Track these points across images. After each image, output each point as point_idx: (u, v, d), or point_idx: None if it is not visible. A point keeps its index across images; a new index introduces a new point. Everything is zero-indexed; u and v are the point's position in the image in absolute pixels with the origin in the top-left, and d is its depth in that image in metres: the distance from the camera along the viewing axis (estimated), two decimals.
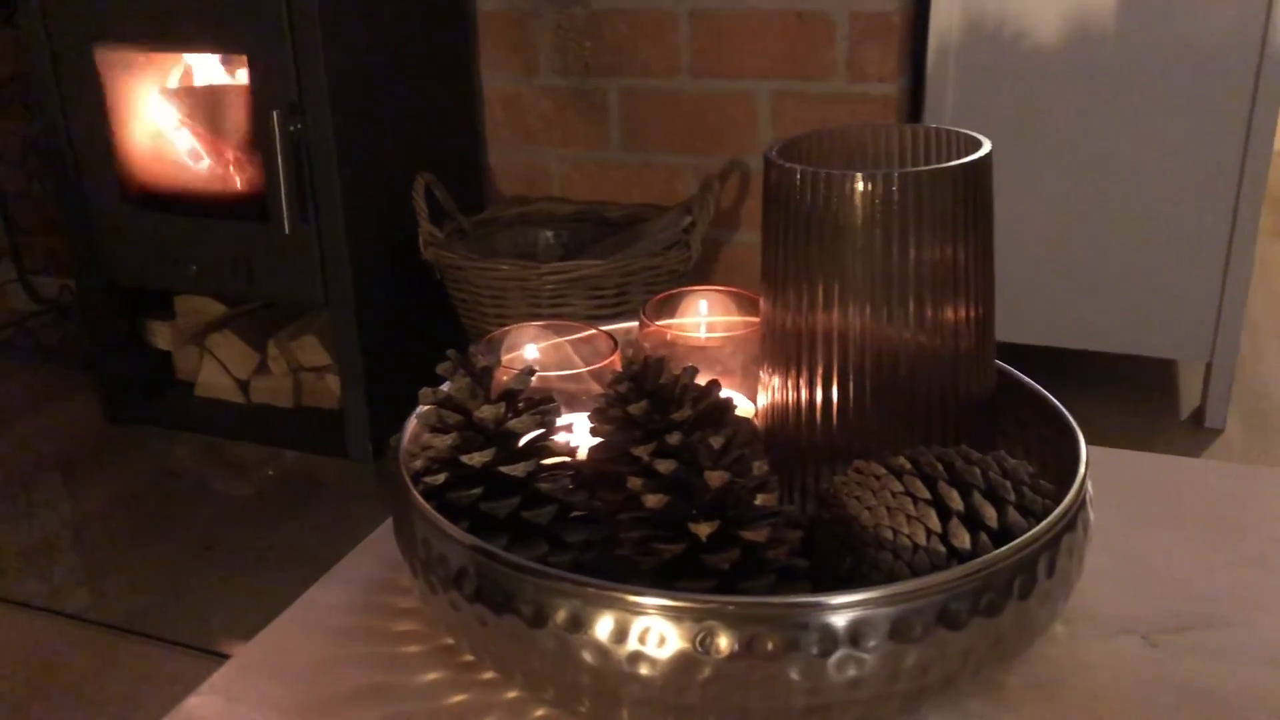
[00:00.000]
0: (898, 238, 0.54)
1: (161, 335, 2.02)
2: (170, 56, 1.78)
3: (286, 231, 1.64)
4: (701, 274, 1.86)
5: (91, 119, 1.78)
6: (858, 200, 0.53)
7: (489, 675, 0.53)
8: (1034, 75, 1.66)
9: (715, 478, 0.48)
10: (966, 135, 0.58)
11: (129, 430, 1.95)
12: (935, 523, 0.48)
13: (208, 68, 1.78)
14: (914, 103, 1.81)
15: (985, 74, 1.68)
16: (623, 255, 1.65)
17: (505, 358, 0.64)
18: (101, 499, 1.74)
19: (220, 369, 1.99)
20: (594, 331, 0.66)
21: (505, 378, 0.57)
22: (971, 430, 0.58)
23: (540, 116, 1.96)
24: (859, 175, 0.53)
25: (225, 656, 0.75)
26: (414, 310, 1.84)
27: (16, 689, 1.31)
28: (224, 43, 1.69)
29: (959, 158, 0.56)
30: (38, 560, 1.59)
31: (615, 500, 0.54)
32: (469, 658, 0.54)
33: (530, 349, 0.64)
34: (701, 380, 0.55)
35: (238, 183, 1.79)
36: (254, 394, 1.98)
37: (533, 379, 0.58)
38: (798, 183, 0.55)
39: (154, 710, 1.27)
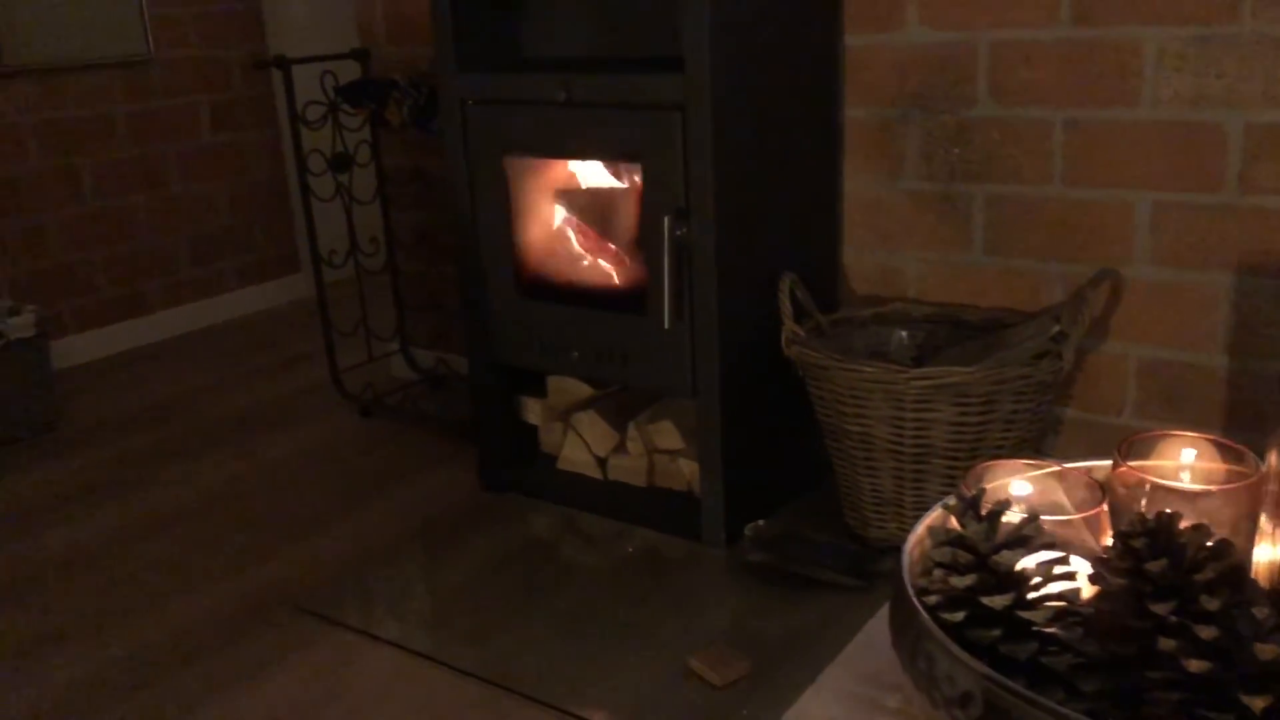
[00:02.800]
0: None
1: (534, 412, 2.20)
2: (570, 164, 1.96)
3: (666, 326, 1.76)
4: (1064, 384, 1.82)
5: (495, 218, 1.99)
6: None
7: None
8: None
9: (1266, 651, 0.49)
10: None
11: (499, 497, 2.13)
12: None
13: (601, 173, 1.95)
14: None
15: None
16: (992, 362, 1.65)
17: (989, 488, 0.67)
18: (478, 561, 1.90)
19: (582, 446, 2.14)
20: (1076, 473, 0.68)
21: (1006, 517, 0.61)
22: None
23: (899, 220, 2.00)
24: None
25: None
26: (772, 404, 1.91)
27: None
28: (621, 153, 1.84)
29: None
30: (426, 614, 1.77)
31: (1129, 655, 0.56)
32: None
33: (1018, 485, 0.67)
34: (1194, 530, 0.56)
35: (620, 278, 1.93)
36: (611, 471, 2.12)
37: (1032, 523, 0.61)
38: None
39: None
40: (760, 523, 1.82)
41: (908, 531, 0.66)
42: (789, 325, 1.80)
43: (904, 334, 1.96)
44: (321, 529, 2.06)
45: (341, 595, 1.82)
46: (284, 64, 2.44)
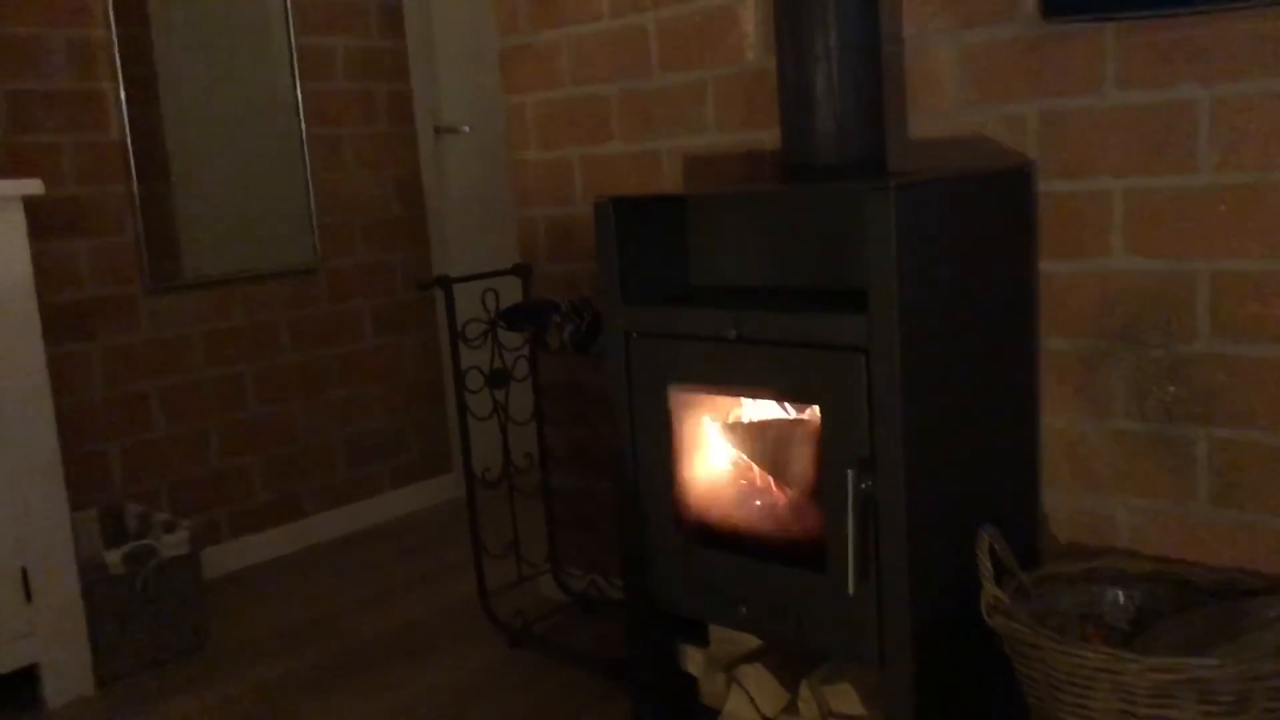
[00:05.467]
0: None
1: (694, 660, 2.01)
2: (740, 399, 1.84)
3: (850, 591, 1.58)
4: None
5: (657, 453, 1.86)
6: None
7: None
8: None
9: None
10: None
11: None
12: None
13: (775, 410, 1.81)
14: None
15: None
16: (1240, 647, 1.41)
17: None
18: None
19: (748, 702, 1.93)
20: None
21: None
22: None
23: (1108, 462, 1.78)
24: None
25: None
26: (972, 677, 1.69)
27: None
28: (797, 391, 1.71)
29: None
30: None
31: None
32: None
33: None
34: None
35: (794, 526, 1.77)
36: None
37: None
38: None
39: None
40: None
41: None
42: (990, 589, 1.59)
43: (1120, 594, 1.72)
44: None
45: None
46: (446, 284, 2.42)
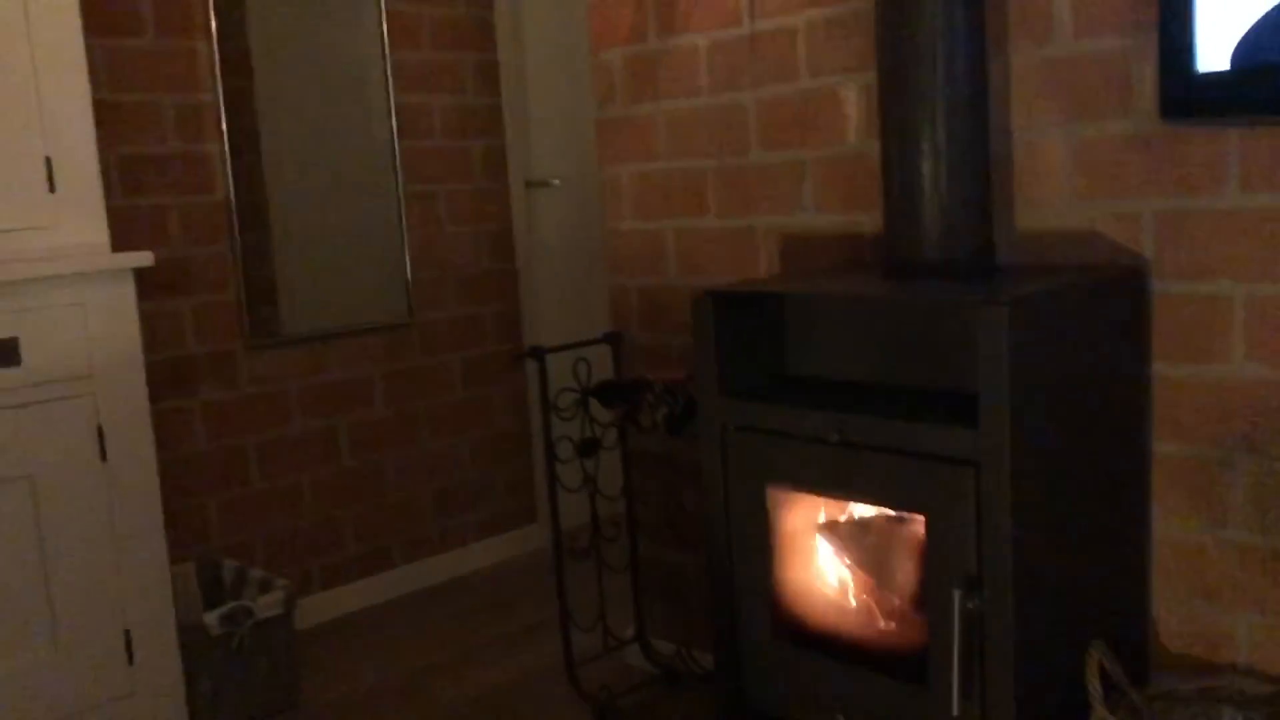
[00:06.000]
0: None
1: None
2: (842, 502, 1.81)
3: (955, 713, 1.54)
4: None
5: (753, 550, 1.84)
6: None
7: None
8: None
9: None
10: None
11: None
12: None
13: (877, 514, 1.78)
14: None
15: None
16: None
17: None
18: None
19: None
20: None
21: None
22: None
23: (1225, 575, 1.72)
24: None
25: None
26: None
27: None
28: (901, 500, 1.67)
29: None
30: None
31: None
32: None
33: None
34: None
35: (894, 635, 1.73)
36: None
37: None
38: None
39: None
40: None
41: None
42: (1100, 712, 1.54)
43: (1238, 716, 1.65)
44: None
45: None
46: (540, 355, 2.43)
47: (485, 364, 3.53)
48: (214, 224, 2.90)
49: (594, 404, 2.44)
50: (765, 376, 1.92)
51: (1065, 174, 1.82)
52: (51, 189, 2.23)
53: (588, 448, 2.49)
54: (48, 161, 2.22)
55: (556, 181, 3.71)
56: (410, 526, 3.36)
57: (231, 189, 2.91)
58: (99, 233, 2.29)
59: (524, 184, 3.61)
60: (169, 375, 2.83)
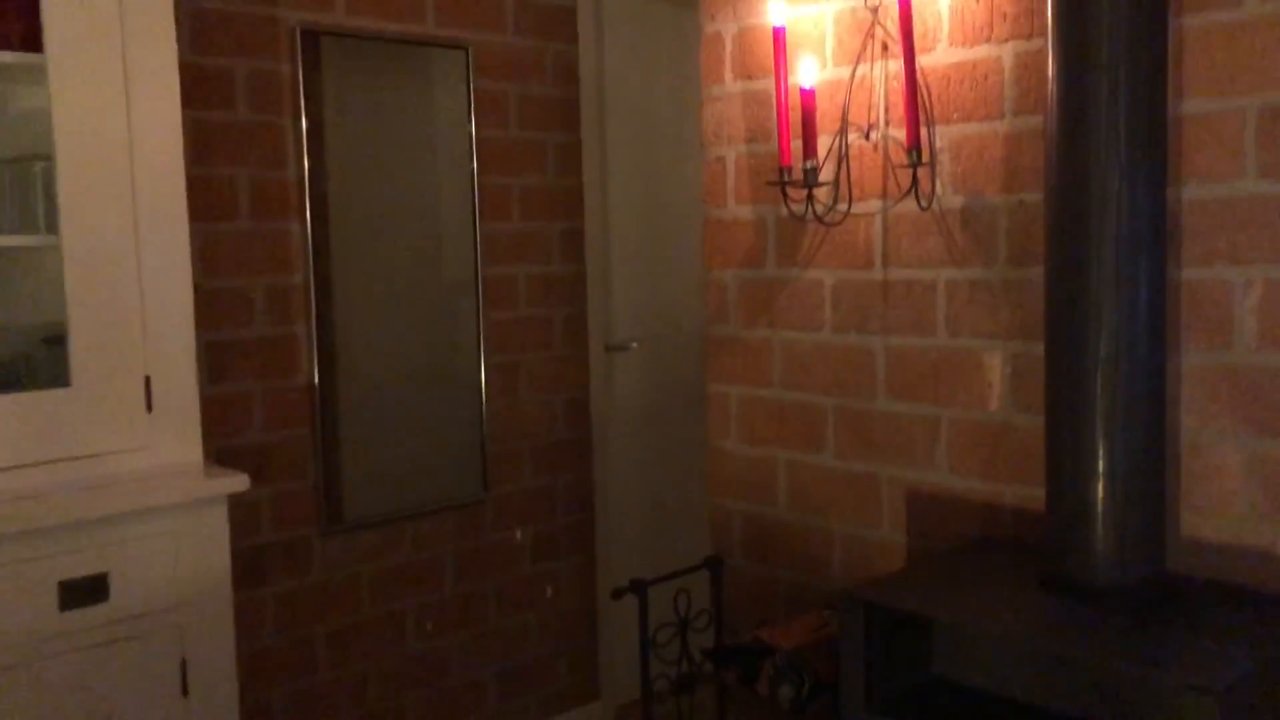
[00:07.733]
0: None
1: None
2: None
3: None
4: None
5: None
6: None
7: None
8: None
9: None
10: None
11: None
12: None
13: None
14: None
15: None
16: None
17: None
18: None
19: None
20: None
21: None
22: None
23: None
24: None
25: None
26: None
27: None
28: None
29: None
30: None
31: None
32: None
33: None
34: None
35: None
36: None
37: None
38: None
39: None
40: None
41: None
42: None
43: None
44: None
45: None
46: (641, 590, 2.32)
47: (554, 535, 3.41)
48: (295, 410, 2.81)
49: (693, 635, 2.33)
50: (910, 679, 1.80)
51: (1241, 487, 1.71)
52: (149, 408, 2.15)
53: (684, 683, 2.37)
54: (146, 380, 2.15)
55: (635, 344, 3.62)
56: (472, 708, 3.23)
57: (316, 372, 2.83)
58: (193, 450, 2.21)
59: (604, 348, 3.52)
60: (244, 566, 2.72)
